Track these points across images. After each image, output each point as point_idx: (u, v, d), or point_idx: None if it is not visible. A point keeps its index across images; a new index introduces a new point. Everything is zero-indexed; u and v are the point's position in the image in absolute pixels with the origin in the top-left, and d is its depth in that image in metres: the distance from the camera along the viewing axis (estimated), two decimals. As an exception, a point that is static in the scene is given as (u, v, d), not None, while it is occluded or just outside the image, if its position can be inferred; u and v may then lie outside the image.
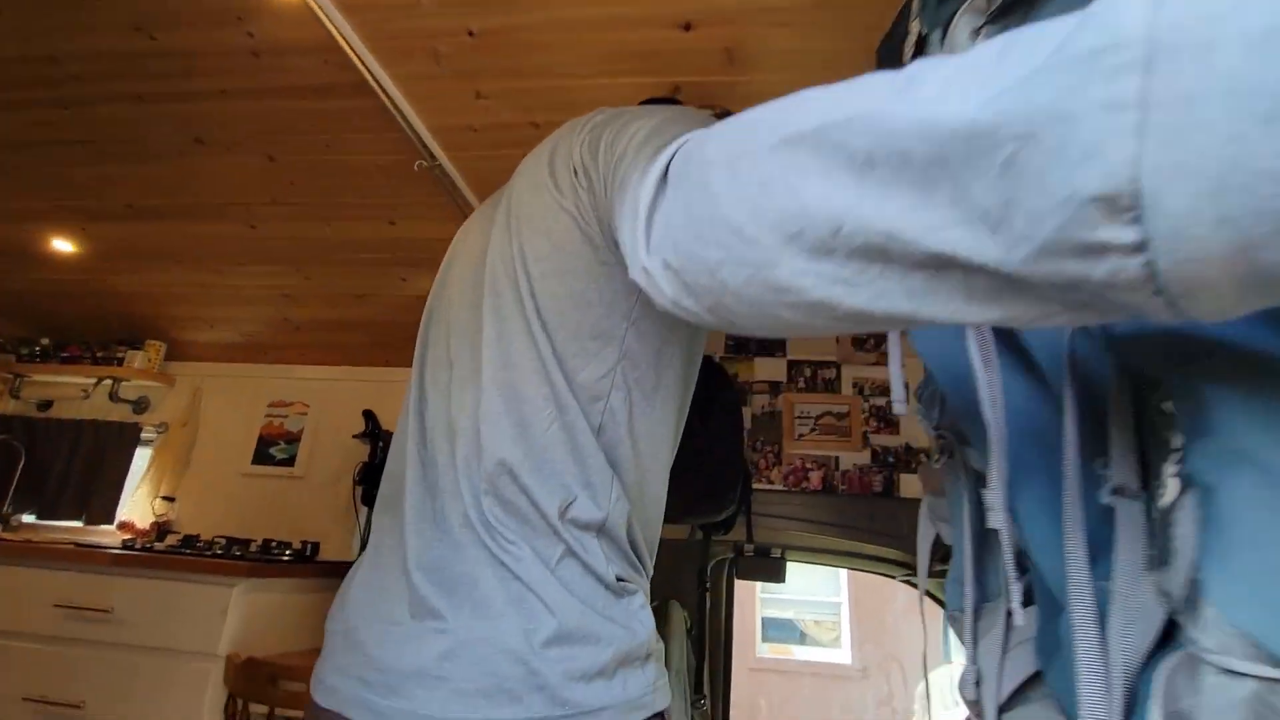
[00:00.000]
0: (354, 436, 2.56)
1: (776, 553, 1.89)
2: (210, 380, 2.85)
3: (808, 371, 2.05)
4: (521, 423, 0.63)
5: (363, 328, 2.57)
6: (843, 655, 6.24)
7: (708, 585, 1.84)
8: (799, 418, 1.98)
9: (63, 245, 2.25)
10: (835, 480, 1.91)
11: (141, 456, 2.76)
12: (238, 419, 2.78)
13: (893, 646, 6.05)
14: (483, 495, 0.61)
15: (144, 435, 2.81)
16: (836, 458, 1.94)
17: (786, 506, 1.89)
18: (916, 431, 1.96)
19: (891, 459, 1.93)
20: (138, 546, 2.29)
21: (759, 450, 1.98)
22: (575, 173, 0.63)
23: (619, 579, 0.62)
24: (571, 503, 0.61)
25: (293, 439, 2.72)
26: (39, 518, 2.76)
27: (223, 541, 2.43)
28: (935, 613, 2.06)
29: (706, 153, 0.39)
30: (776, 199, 0.33)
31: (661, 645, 0.67)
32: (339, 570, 1.76)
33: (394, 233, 1.96)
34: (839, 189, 0.30)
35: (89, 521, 2.69)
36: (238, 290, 2.46)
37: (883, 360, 2.11)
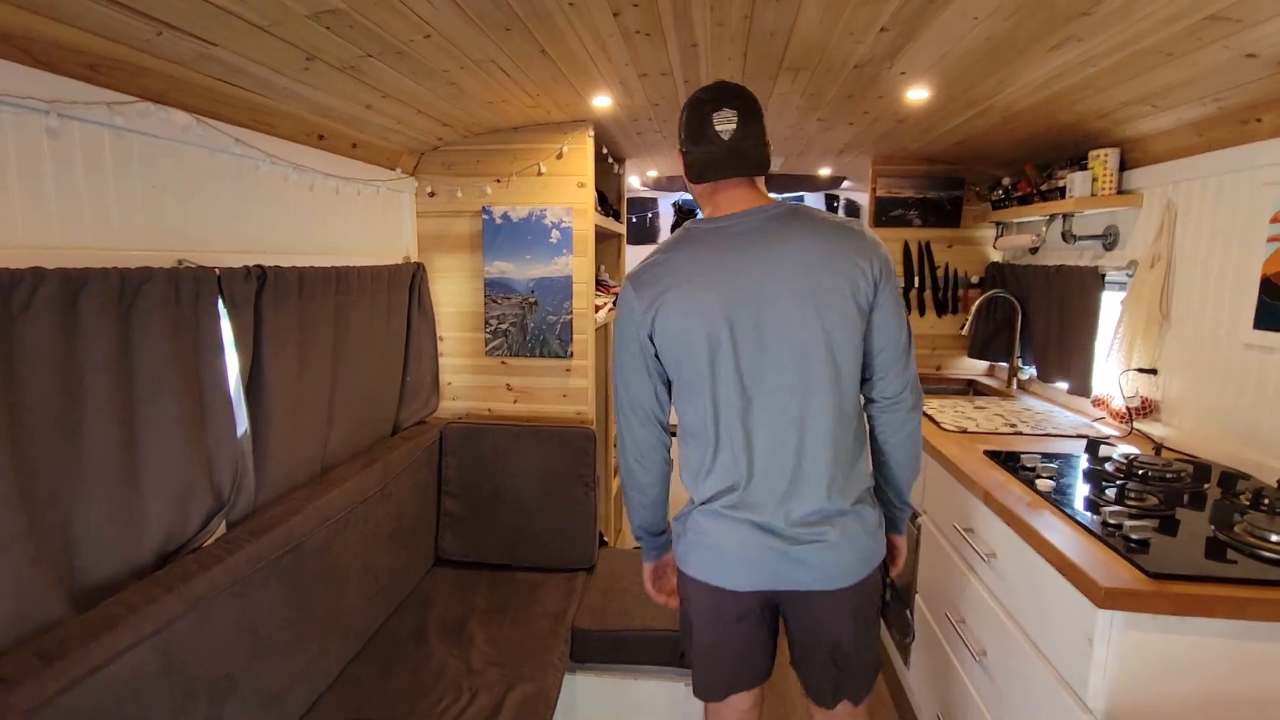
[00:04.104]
0: None
1: None
2: (1183, 187, 1.81)
3: None
4: None
5: None
6: None
7: None
8: None
9: (917, 95, 1.84)
10: None
11: (1112, 309, 2.07)
12: (1215, 244, 1.67)
13: None
14: None
15: (1109, 279, 2.09)
16: None
17: None
18: None
19: None
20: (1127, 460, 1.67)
21: None
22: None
23: None
24: None
25: None
26: (1037, 376, 2.54)
27: (1207, 475, 1.51)
28: None
29: None
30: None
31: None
32: None
33: None
34: None
35: (1072, 390, 2.26)
36: (1167, 41, 1.38)
37: None
